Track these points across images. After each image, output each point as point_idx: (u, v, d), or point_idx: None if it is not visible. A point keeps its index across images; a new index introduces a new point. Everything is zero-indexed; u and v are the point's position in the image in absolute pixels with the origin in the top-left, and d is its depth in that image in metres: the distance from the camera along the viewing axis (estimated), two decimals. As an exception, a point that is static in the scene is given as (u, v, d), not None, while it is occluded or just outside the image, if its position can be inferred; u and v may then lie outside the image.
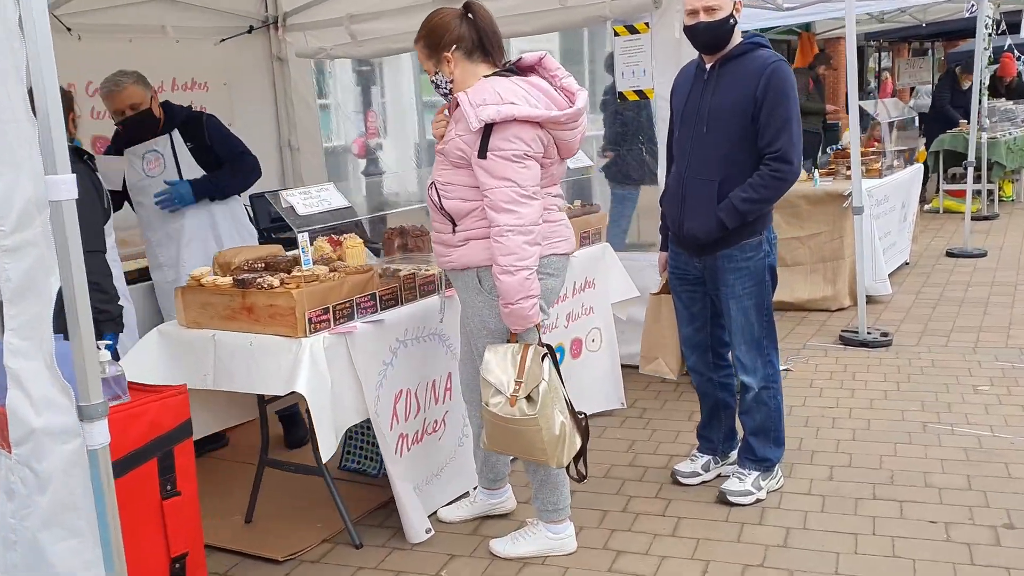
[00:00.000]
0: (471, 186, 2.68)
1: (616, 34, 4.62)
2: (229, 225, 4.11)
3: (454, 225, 2.79)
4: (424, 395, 3.20)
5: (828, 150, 10.79)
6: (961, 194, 10.21)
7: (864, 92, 27.68)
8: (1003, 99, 10.91)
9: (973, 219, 9.45)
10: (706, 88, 3.12)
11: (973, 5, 9.42)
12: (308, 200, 2.90)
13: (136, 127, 3.93)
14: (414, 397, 3.14)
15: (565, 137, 2.69)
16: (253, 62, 5.84)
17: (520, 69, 2.82)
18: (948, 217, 9.89)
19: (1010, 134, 10.19)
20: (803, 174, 6.53)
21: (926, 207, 10.42)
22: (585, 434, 2.82)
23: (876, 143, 7.60)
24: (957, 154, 10.12)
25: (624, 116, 5.22)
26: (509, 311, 2.66)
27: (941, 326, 5.49)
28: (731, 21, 3.01)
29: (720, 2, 2.97)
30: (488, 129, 2.58)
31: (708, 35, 3.03)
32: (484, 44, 2.77)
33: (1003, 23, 10.43)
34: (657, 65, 4.45)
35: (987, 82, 9.36)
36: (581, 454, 2.82)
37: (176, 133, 3.99)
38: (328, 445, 2.73)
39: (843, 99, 24.98)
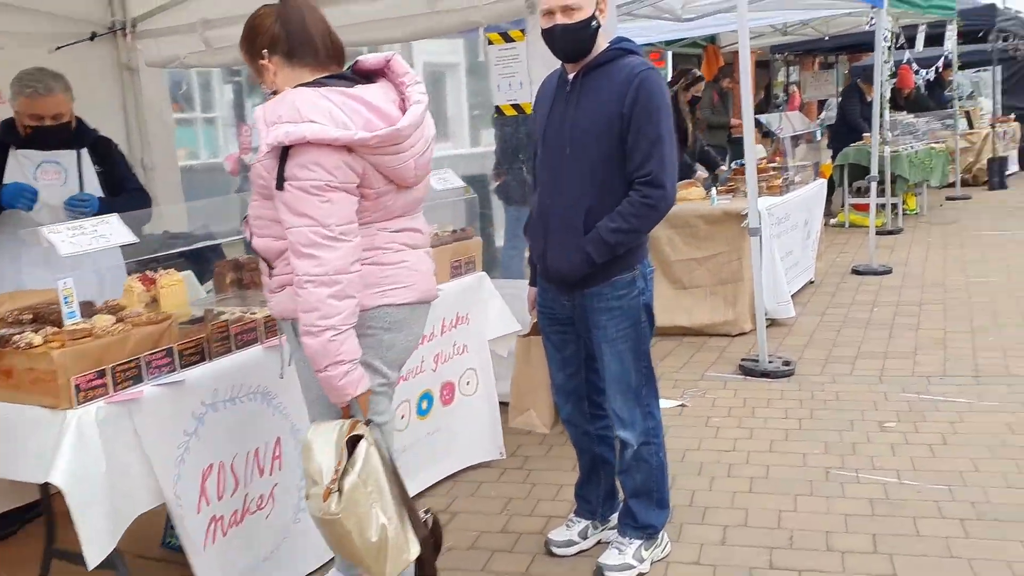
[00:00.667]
0: (280, 221, 2.19)
1: (490, 42, 4.19)
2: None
3: (270, 267, 2.30)
4: (244, 468, 2.67)
5: (734, 165, 10.63)
6: (866, 208, 10.13)
7: (773, 106, 28.12)
8: (904, 112, 10.90)
9: (878, 233, 9.35)
10: (568, 101, 2.69)
11: (872, 19, 9.37)
12: (78, 237, 2.35)
13: (47, 135, 3.54)
14: (230, 471, 2.62)
15: (387, 163, 2.20)
16: (97, 72, 5.21)
17: (362, 74, 2.34)
18: (854, 231, 9.77)
19: (912, 147, 10.16)
20: (701, 192, 6.25)
21: (832, 221, 10.32)
22: (430, 540, 2.31)
23: (779, 158, 7.37)
24: (862, 168, 10.02)
25: (504, 132, 4.80)
26: (320, 379, 2.17)
27: (846, 352, 5.20)
28: (593, 24, 2.59)
29: (579, 1, 2.55)
30: (285, 153, 2.09)
31: (566, 40, 2.60)
32: (305, 45, 2.28)
33: (901, 37, 10.43)
34: (535, 76, 4.02)
35: (888, 95, 9.30)
36: (425, 567, 2.31)
37: (86, 152, 3.65)
38: (99, 546, 2.18)
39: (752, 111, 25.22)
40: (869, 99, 10.44)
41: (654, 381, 2.85)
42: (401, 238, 2.33)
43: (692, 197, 6.15)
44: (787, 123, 7.44)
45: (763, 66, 28.99)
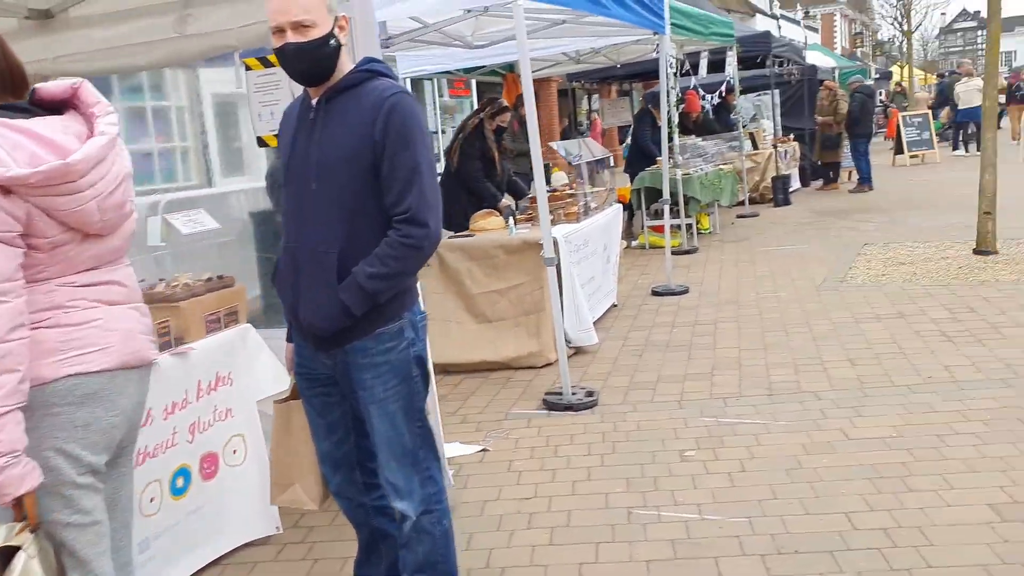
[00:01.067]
0: None
1: (248, 68, 3.79)
2: None
3: None
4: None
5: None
6: (663, 229, 10.43)
7: (577, 132, 29.01)
8: (693, 136, 11.33)
9: (675, 254, 9.61)
10: (313, 129, 2.36)
11: (657, 46, 9.66)
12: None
13: None
14: None
15: (61, 206, 1.79)
16: None
17: (45, 105, 1.92)
18: (654, 253, 9.98)
19: (702, 170, 10.54)
20: (500, 221, 6.08)
21: (633, 243, 10.52)
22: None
23: (576, 185, 7.35)
24: (658, 191, 10.25)
25: (273, 165, 4.40)
26: None
27: (647, 377, 5.14)
28: (332, 42, 2.28)
29: (313, 17, 2.23)
30: None
31: (301, 59, 2.28)
32: None
33: (687, 63, 10.84)
34: (298, 104, 3.67)
35: (676, 120, 9.57)
36: None
37: None
38: None
39: (557, 138, 25.80)
40: (660, 124, 10.81)
41: (432, 440, 2.54)
42: (92, 293, 1.92)
43: (491, 227, 5.97)
44: (584, 150, 7.43)
45: (565, 94, 29.90)
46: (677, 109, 9.56)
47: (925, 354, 5.09)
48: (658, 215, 10.66)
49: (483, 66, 11.41)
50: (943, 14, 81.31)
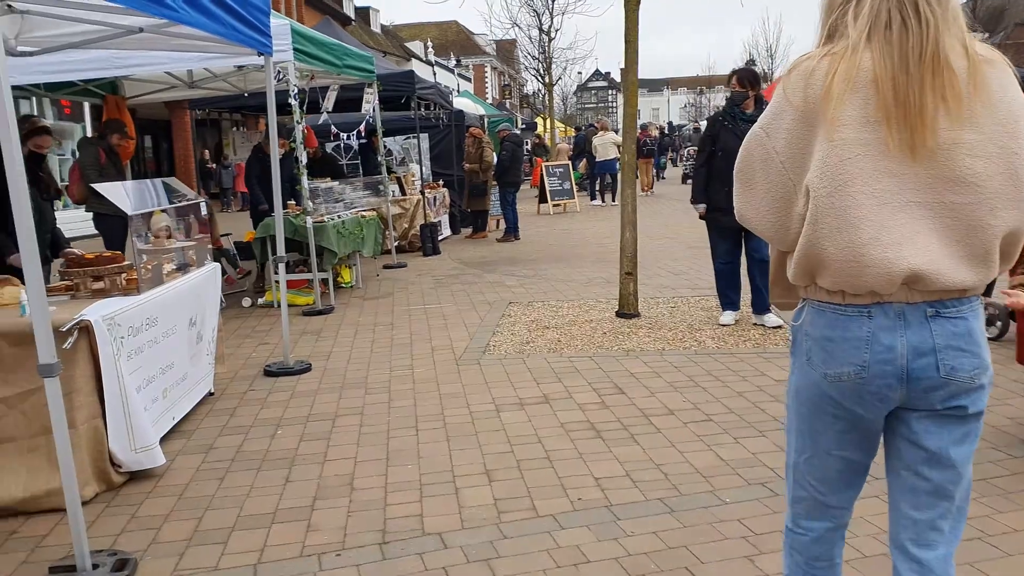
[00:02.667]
0: None
1: None
2: None
3: None
4: None
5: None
6: (298, 284, 9.03)
7: (223, 166, 26.56)
8: (325, 178, 10.10)
9: (307, 314, 8.26)
10: None
11: (282, 75, 8.32)
12: None
13: None
14: None
15: None
16: None
17: None
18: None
19: (338, 217, 9.32)
20: (14, 293, 4.32)
21: (261, 301, 8.99)
22: None
23: (163, 238, 5.72)
24: (286, 240, 8.89)
25: None
26: None
27: (220, 521, 3.69)
28: None
29: None
30: None
31: None
32: None
33: (309, 96, 9.63)
34: None
35: (305, 159, 8.28)
36: None
37: None
38: None
39: (192, 173, 23.17)
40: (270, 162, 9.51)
41: None
42: None
43: (4, 300, 4.19)
44: (168, 191, 5.83)
45: (207, 124, 27.34)
46: (301, 146, 8.25)
47: (574, 460, 4.20)
48: (290, 267, 9.26)
49: (73, 81, 9.29)
50: (580, 72, 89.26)
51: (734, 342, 6.40)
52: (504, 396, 5.29)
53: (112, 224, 8.65)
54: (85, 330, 3.86)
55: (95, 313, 3.93)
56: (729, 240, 6.78)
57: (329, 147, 15.71)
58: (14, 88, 8.97)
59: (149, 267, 4.65)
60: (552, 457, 4.24)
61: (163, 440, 4.64)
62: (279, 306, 8.80)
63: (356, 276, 10.01)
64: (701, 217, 6.90)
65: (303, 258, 8.90)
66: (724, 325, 6.93)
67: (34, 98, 16.28)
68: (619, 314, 7.38)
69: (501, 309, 8.07)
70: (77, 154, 9.07)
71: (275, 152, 6.18)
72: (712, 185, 6.70)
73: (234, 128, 27.66)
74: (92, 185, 8.54)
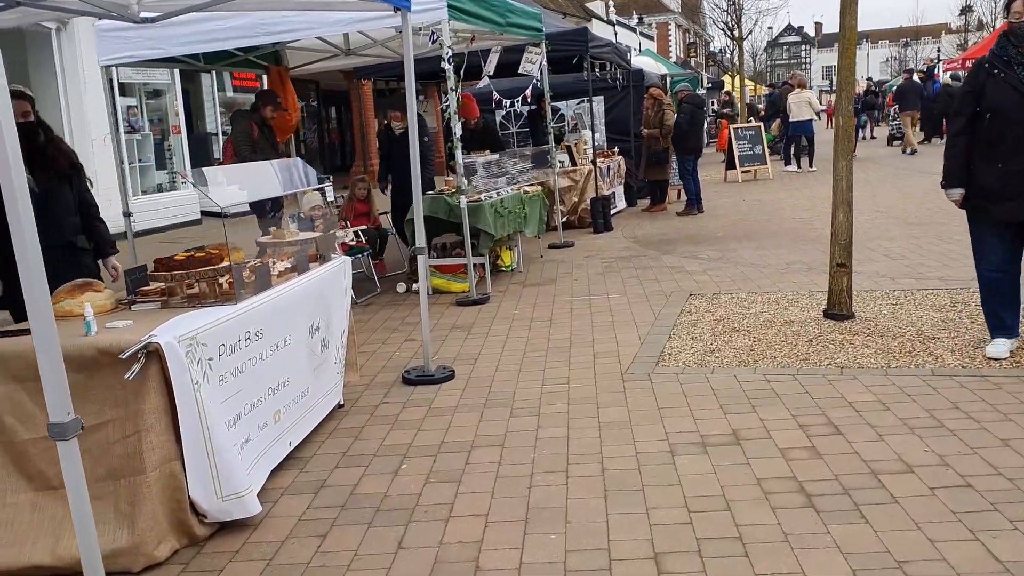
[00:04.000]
0: None
1: None
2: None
3: None
4: None
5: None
6: (450, 270, 8.26)
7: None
8: (477, 152, 9.22)
9: (460, 304, 7.46)
10: None
11: (435, 37, 7.46)
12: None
13: None
14: None
15: None
16: None
17: None
18: (439, 299, 7.80)
19: (497, 194, 8.43)
20: (100, 299, 3.67)
21: (415, 288, 8.28)
22: None
23: (280, 231, 5.03)
24: (440, 221, 8.13)
25: None
26: None
27: (312, 602, 2.88)
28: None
29: None
30: None
31: None
32: None
33: (472, 60, 8.75)
34: None
35: (458, 130, 7.43)
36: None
37: None
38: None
39: (373, 148, 22.98)
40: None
41: None
42: None
43: (78, 310, 3.56)
44: (293, 172, 5.11)
45: (386, 94, 27.27)
46: (455, 116, 7.40)
47: (776, 544, 3.08)
48: (446, 251, 8.52)
49: (229, 52, 8.89)
50: (770, 28, 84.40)
51: (983, 359, 4.97)
52: (680, 430, 4.21)
53: (263, 205, 8.19)
54: (156, 354, 3.13)
55: (169, 332, 3.19)
56: (1007, 239, 4.84)
57: (499, 115, 14.93)
58: (173, 60, 8.70)
59: (251, 270, 3.90)
60: (745, 536, 3.14)
61: (277, 469, 3.93)
62: (432, 294, 8.10)
63: (517, 258, 9.12)
64: (960, 206, 4.98)
65: (459, 239, 8.10)
66: (995, 359, 4.92)
67: (213, 72, 16.47)
68: (827, 314, 6.05)
69: (679, 303, 6.92)
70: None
71: (414, 126, 5.31)
72: (978, 161, 4.82)
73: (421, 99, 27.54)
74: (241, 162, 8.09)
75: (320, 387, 4.53)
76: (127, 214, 8.01)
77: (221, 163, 8.78)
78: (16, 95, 4.19)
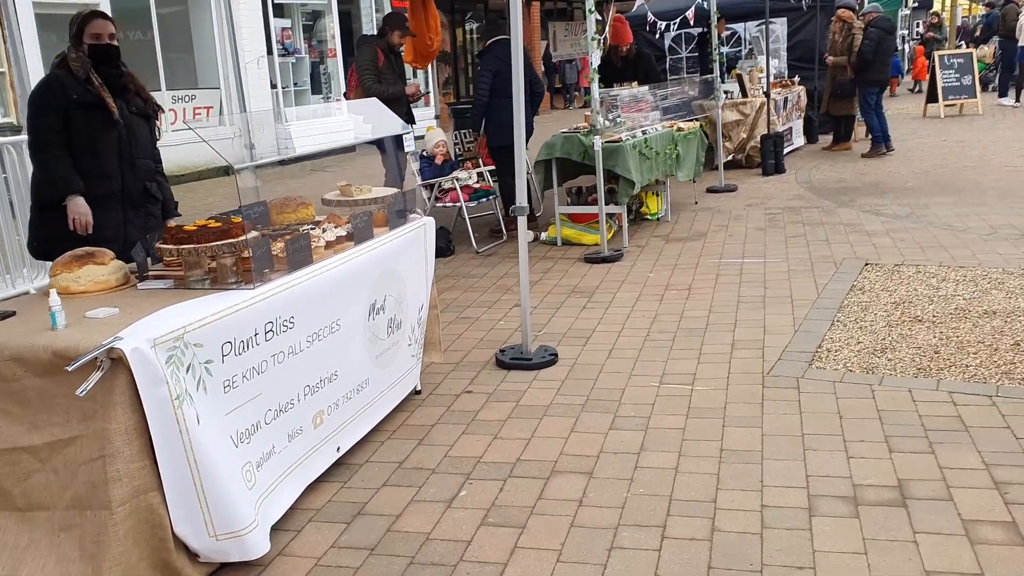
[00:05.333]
0: None
1: None
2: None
3: None
4: None
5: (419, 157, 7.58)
6: (583, 219, 7.34)
7: (567, 60, 25.30)
8: (627, 83, 8.09)
9: (589, 260, 6.57)
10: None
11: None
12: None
13: None
14: None
15: None
16: None
17: None
18: (568, 252, 6.93)
19: (643, 133, 7.35)
20: (103, 272, 3.05)
21: (543, 236, 7.43)
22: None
23: (351, 188, 4.26)
24: (574, 163, 7.19)
25: None
26: None
27: None
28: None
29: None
30: None
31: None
32: None
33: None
34: None
35: (595, 60, 6.41)
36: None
37: None
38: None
39: (539, 68, 21.96)
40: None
41: None
42: None
43: (71, 288, 2.98)
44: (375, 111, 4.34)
45: (553, 14, 26.03)
46: (598, 44, 6.36)
47: None
48: (580, 197, 7.58)
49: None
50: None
51: None
52: (827, 472, 3.18)
53: (387, 143, 7.52)
54: (121, 362, 2.46)
55: (143, 333, 2.51)
56: None
57: (668, 39, 13.56)
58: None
59: (281, 243, 3.17)
60: None
61: (320, 480, 3.28)
62: (561, 244, 7.21)
63: (665, 205, 8.04)
64: None
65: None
66: None
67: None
68: (1045, 308, 4.72)
69: (851, 275, 5.71)
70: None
71: (518, 46, 4.36)
72: None
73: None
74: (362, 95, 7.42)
75: (385, 377, 3.80)
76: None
77: (345, 94, 8.14)
78: (102, 15, 3.78)
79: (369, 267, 3.58)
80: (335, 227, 3.54)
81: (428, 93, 15.23)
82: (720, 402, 3.87)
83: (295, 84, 15.32)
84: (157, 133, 4.29)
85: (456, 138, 8.39)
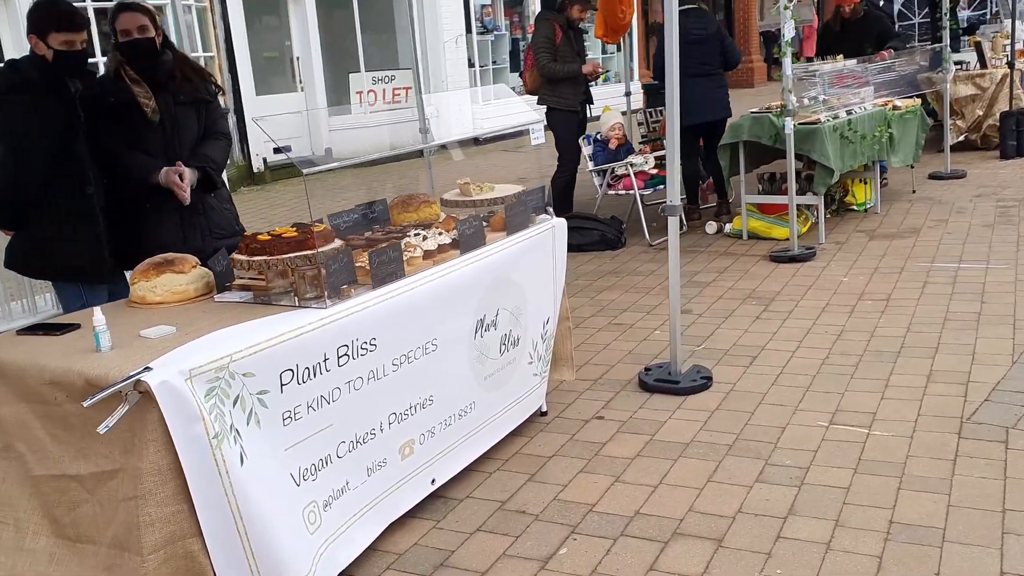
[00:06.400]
0: None
1: None
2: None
3: None
4: None
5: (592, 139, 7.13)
6: (772, 210, 6.56)
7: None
8: (838, 56, 7.08)
9: (775, 259, 5.84)
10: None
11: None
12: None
13: None
14: None
15: None
16: None
17: None
18: (754, 247, 6.21)
19: (846, 114, 6.42)
20: (178, 282, 2.83)
21: (727, 228, 6.72)
22: None
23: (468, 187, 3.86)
24: (764, 147, 6.42)
25: None
26: None
27: None
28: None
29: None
30: None
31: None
32: None
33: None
34: None
35: (789, 32, 5.66)
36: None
37: None
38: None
39: (754, 41, 20.64)
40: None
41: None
42: None
43: (147, 298, 2.79)
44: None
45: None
46: (788, 9, 5.54)
47: None
48: (773, 184, 6.79)
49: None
50: None
51: None
52: (1033, 574, 2.42)
53: (563, 121, 7.08)
54: (151, 395, 2.20)
55: (179, 362, 2.23)
56: None
57: (896, 3, 12.07)
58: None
59: (363, 254, 2.81)
60: None
61: (411, 514, 2.95)
62: (746, 238, 6.47)
63: (874, 194, 7.04)
64: None
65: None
66: None
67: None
68: None
69: (1100, 290, 4.62)
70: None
71: (673, 18, 3.74)
72: None
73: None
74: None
75: (497, 400, 3.39)
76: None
77: (521, 74, 7.76)
78: (129, 7, 3.43)
79: (476, 278, 3.17)
80: (440, 233, 3.14)
81: (629, 69, 14.54)
82: (901, 454, 3.14)
83: (494, 62, 15.17)
84: (223, 110, 3.89)
85: (651, 116, 7.84)
